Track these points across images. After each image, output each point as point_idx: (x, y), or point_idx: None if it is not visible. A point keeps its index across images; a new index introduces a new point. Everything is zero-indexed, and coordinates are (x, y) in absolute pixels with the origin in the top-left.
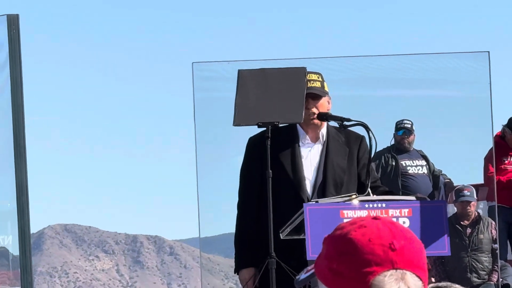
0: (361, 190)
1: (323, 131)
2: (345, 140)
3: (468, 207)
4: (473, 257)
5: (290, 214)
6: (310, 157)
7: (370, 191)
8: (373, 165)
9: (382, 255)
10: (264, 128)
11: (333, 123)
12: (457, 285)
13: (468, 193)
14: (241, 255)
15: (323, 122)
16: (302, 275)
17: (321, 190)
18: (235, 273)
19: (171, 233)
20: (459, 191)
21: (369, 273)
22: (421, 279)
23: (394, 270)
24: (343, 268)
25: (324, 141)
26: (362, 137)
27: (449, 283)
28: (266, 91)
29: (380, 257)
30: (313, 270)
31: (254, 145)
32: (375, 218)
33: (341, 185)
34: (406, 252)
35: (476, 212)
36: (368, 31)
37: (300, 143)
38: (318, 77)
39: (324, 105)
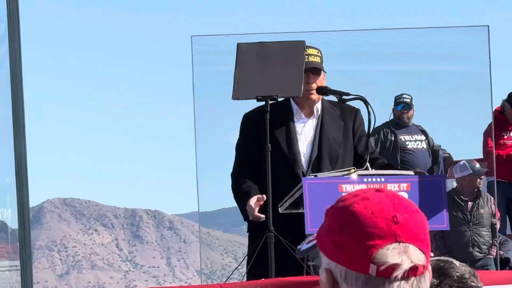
0: (358, 163)
1: (318, 105)
2: (340, 113)
3: (479, 179)
4: (475, 232)
5: (285, 189)
6: (305, 132)
7: (368, 166)
8: (372, 139)
9: (385, 228)
10: (259, 104)
11: (328, 97)
12: (456, 261)
13: (479, 166)
14: (243, 203)
15: (319, 97)
16: (304, 246)
17: (316, 164)
18: (245, 220)
19: (171, 207)
20: (472, 164)
21: (372, 246)
22: (424, 252)
23: (397, 243)
24: (345, 240)
25: (319, 116)
26: (357, 110)
27: (449, 259)
28: (265, 65)
29: (383, 230)
30: (315, 241)
31: (250, 120)
32: (378, 190)
33: (336, 159)
34: (409, 225)
35: None
36: (367, 5)
37: (295, 119)
38: (318, 53)
39: (321, 80)
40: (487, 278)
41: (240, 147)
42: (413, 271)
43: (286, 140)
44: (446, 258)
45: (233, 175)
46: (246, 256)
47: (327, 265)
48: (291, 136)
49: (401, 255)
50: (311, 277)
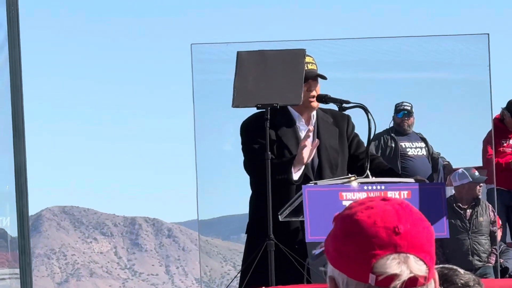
0: (352, 163)
1: (314, 113)
2: (333, 120)
3: (478, 187)
4: (474, 240)
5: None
6: None
7: (369, 173)
8: (372, 145)
9: (386, 238)
10: (257, 111)
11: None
12: (460, 269)
13: (479, 174)
14: (281, 163)
15: (317, 104)
16: (317, 251)
17: (318, 172)
18: (291, 179)
19: (170, 215)
20: (471, 172)
21: (372, 256)
22: (425, 263)
23: (397, 254)
24: (347, 249)
25: (314, 123)
26: (348, 116)
27: (453, 266)
28: (265, 73)
29: (383, 240)
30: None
31: (253, 126)
32: (384, 199)
33: (336, 166)
34: (411, 236)
35: None
36: (367, 13)
37: (298, 125)
38: (313, 60)
39: (319, 88)
40: (489, 286)
41: (249, 147)
42: (413, 282)
43: (296, 147)
44: (450, 265)
45: (250, 160)
46: (246, 264)
47: (331, 272)
48: (299, 143)
49: (400, 265)
50: (311, 285)
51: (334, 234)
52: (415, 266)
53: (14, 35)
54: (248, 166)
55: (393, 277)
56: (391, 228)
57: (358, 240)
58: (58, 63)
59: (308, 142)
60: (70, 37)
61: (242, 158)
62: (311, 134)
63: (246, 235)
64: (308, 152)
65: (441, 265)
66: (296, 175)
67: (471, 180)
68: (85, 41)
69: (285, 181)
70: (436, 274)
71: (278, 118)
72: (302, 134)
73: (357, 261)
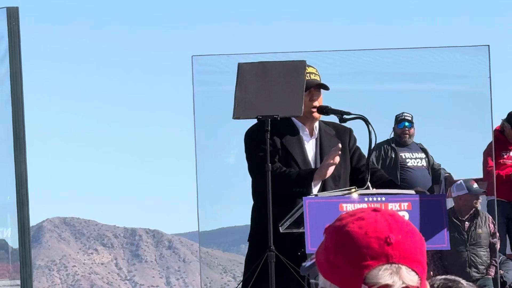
0: (354, 174)
1: (316, 124)
2: (335, 133)
3: (476, 200)
4: (472, 252)
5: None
6: (308, 151)
7: (369, 185)
8: (373, 155)
9: (378, 249)
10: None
11: (322, 117)
12: (463, 280)
13: (477, 186)
14: (302, 176)
15: (319, 116)
16: (308, 262)
17: (321, 184)
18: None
19: (170, 227)
20: (469, 184)
21: (364, 267)
22: (417, 274)
23: (389, 265)
24: (339, 260)
25: (317, 135)
26: (350, 129)
27: (457, 278)
28: (265, 84)
29: (375, 251)
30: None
31: (257, 134)
32: (374, 210)
33: (338, 178)
34: (403, 246)
35: None
36: (367, 24)
37: (303, 136)
38: (317, 71)
39: (321, 99)
40: None
41: (253, 151)
42: None
43: (301, 157)
44: (453, 277)
45: (257, 168)
46: (247, 275)
47: (323, 284)
48: (304, 154)
49: (392, 276)
50: None
51: (325, 246)
52: (407, 276)
53: (15, 46)
54: (253, 173)
55: (386, 287)
56: (383, 239)
57: (350, 251)
58: (60, 72)
59: (336, 159)
60: (71, 46)
61: (243, 170)
62: (340, 152)
63: (248, 243)
64: (332, 169)
65: (443, 276)
66: (315, 190)
67: (467, 191)
68: (86, 51)
69: (301, 194)
70: (428, 286)
71: (283, 127)
72: (306, 145)
73: (349, 272)
